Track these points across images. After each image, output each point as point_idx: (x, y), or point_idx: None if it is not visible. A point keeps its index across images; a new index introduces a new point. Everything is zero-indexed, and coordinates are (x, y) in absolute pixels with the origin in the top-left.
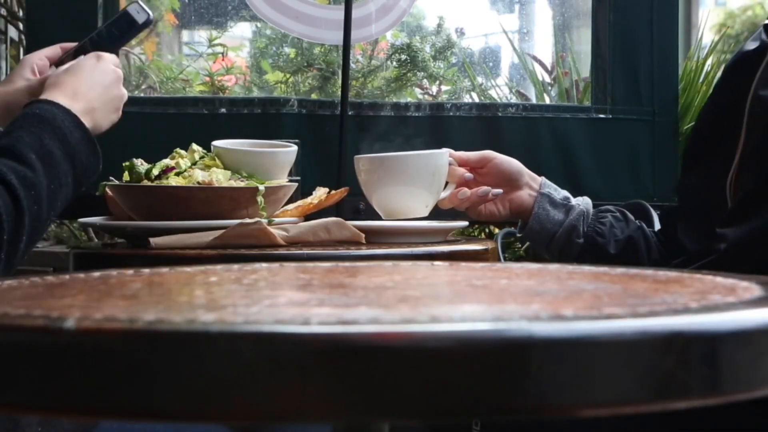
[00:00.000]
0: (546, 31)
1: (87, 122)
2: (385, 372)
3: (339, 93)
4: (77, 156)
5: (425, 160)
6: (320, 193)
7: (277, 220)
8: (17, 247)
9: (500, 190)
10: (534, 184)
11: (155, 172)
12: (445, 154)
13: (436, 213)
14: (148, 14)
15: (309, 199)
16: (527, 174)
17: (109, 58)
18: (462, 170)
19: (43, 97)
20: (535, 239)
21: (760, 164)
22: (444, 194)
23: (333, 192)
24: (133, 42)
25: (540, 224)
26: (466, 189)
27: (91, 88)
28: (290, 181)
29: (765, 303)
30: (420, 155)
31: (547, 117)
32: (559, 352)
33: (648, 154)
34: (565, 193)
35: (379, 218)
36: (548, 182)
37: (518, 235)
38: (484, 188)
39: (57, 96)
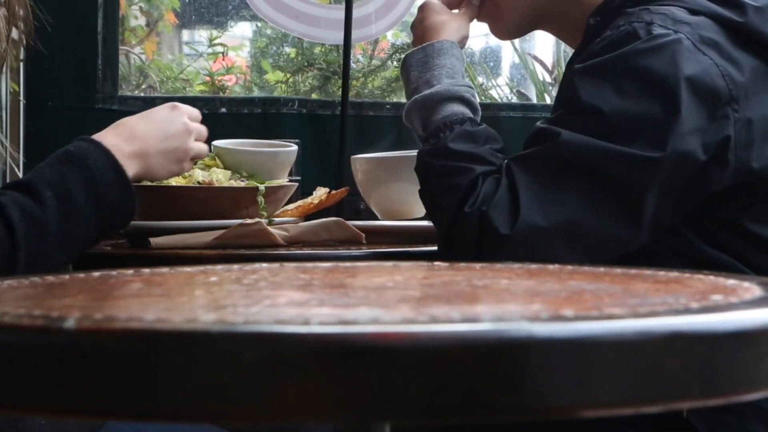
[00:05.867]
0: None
1: (135, 166)
2: (385, 372)
3: (339, 93)
4: (104, 198)
5: None
6: (320, 193)
7: (277, 220)
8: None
9: None
10: None
11: None
12: None
13: None
14: None
15: (309, 199)
16: None
17: (185, 110)
18: None
19: (96, 135)
20: None
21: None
22: None
23: (333, 192)
24: (134, 41)
25: None
26: None
27: (152, 133)
28: (290, 181)
29: (765, 303)
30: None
31: (547, 117)
32: (559, 352)
33: None
34: None
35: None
36: None
37: None
38: None
39: (108, 136)
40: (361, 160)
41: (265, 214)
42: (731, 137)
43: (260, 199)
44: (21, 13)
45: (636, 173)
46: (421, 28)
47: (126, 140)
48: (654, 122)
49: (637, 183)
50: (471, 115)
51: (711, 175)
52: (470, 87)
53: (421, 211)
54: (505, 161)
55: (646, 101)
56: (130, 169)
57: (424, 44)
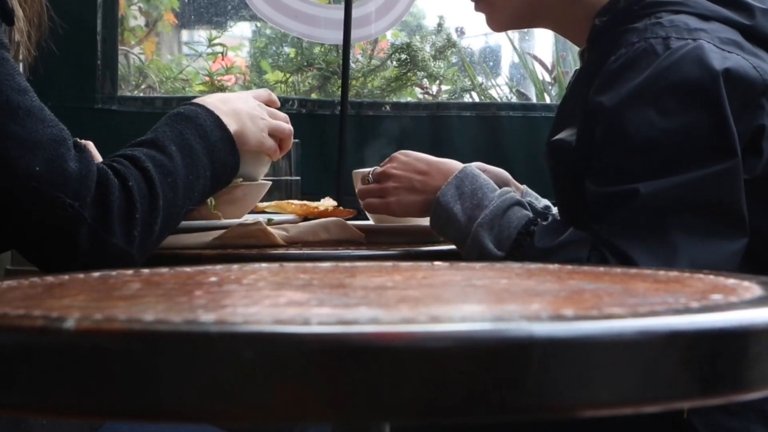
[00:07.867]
0: (546, 30)
1: (233, 124)
2: (385, 372)
3: (339, 92)
4: (216, 152)
5: None
6: (328, 204)
7: (276, 219)
8: (152, 229)
9: None
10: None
11: None
12: None
13: None
14: None
15: (315, 204)
16: (514, 184)
17: (261, 95)
18: None
19: (194, 100)
20: None
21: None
22: None
23: (341, 209)
24: (133, 41)
25: None
26: None
27: (238, 98)
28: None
29: (765, 303)
30: None
31: (547, 116)
32: (559, 352)
33: None
34: (545, 202)
35: None
36: (530, 191)
37: None
38: None
39: (206, 99)
40: (362, 174)
41: (220, 214)
42: (766, 126)
43: (209, 200)
44: (35, 20)
45: (725, 187)
46: (421, 179)
47: (221, 102)
48: (711, 131)
49: (730, 194)
50: (532, 215)
51: (745, 165)
52: (513, 190)
53: (419, 222)
54: (597, 238)
55: (692, 113)
56: (230, 127)
57: (449, 181)
